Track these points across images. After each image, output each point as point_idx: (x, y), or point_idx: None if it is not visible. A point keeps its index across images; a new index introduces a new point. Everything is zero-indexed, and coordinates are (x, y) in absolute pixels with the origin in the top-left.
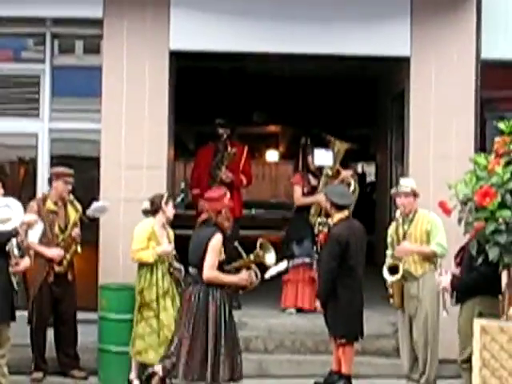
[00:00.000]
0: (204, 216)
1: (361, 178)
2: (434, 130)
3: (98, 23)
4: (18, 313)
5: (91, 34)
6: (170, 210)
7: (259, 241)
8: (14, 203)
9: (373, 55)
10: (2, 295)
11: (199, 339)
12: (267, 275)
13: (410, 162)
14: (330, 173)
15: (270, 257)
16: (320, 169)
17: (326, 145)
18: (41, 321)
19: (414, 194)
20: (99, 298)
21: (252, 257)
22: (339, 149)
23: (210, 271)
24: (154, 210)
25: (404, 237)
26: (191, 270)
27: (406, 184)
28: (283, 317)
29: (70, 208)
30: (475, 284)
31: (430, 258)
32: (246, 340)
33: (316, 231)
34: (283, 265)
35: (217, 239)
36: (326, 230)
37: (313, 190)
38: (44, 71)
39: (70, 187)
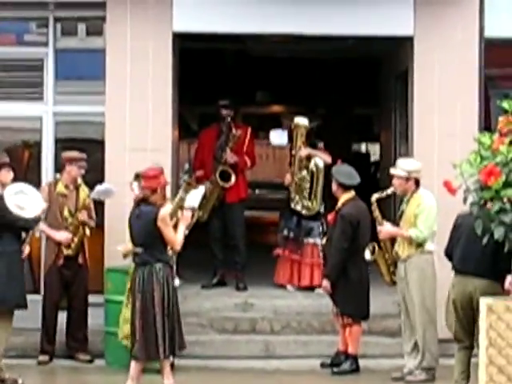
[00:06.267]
0: (139, 195)
1: (365, 157)
2: (438, 108)
3: (100, 6)
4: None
5: (94, 16)
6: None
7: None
8: (29, 190)
9: (376, 35)
10: (21, 281)
11: (148, 319)
12: (191, 204)
13: (414, 141)
14: None
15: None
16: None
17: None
18: (51, 303)
19: (407, 178)
20: (105, 280)
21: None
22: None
23: (178, 245)
24: None
25: (400, 217)
26: (137, 249)
27: (400, 165)
28: (289, 298)
29: (81, 192)
30: None
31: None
32: (252, 321)
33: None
34: (201, 189)
35: (164, 212)
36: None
37: None
38: (47, 54)
39: (83, 171)
